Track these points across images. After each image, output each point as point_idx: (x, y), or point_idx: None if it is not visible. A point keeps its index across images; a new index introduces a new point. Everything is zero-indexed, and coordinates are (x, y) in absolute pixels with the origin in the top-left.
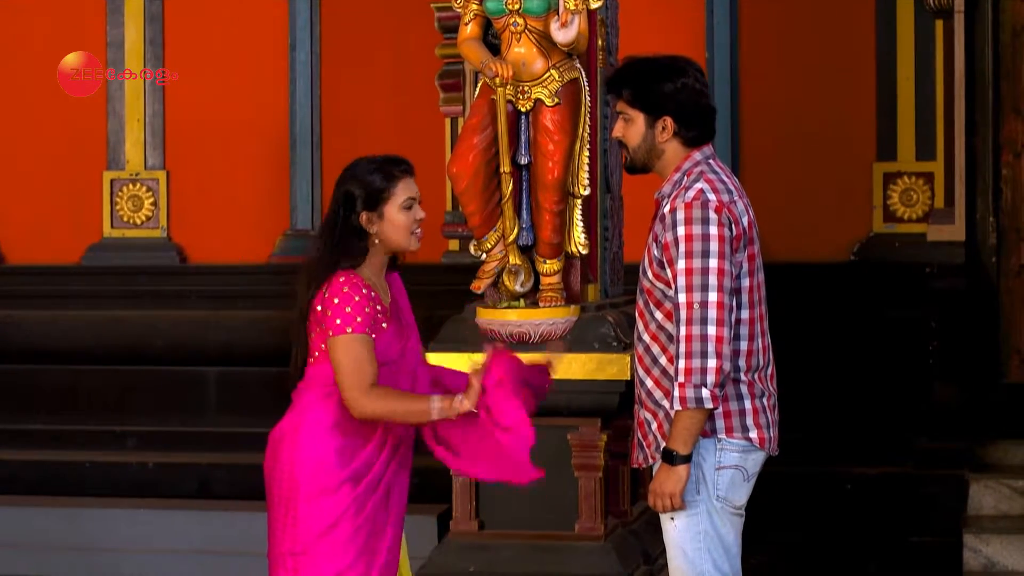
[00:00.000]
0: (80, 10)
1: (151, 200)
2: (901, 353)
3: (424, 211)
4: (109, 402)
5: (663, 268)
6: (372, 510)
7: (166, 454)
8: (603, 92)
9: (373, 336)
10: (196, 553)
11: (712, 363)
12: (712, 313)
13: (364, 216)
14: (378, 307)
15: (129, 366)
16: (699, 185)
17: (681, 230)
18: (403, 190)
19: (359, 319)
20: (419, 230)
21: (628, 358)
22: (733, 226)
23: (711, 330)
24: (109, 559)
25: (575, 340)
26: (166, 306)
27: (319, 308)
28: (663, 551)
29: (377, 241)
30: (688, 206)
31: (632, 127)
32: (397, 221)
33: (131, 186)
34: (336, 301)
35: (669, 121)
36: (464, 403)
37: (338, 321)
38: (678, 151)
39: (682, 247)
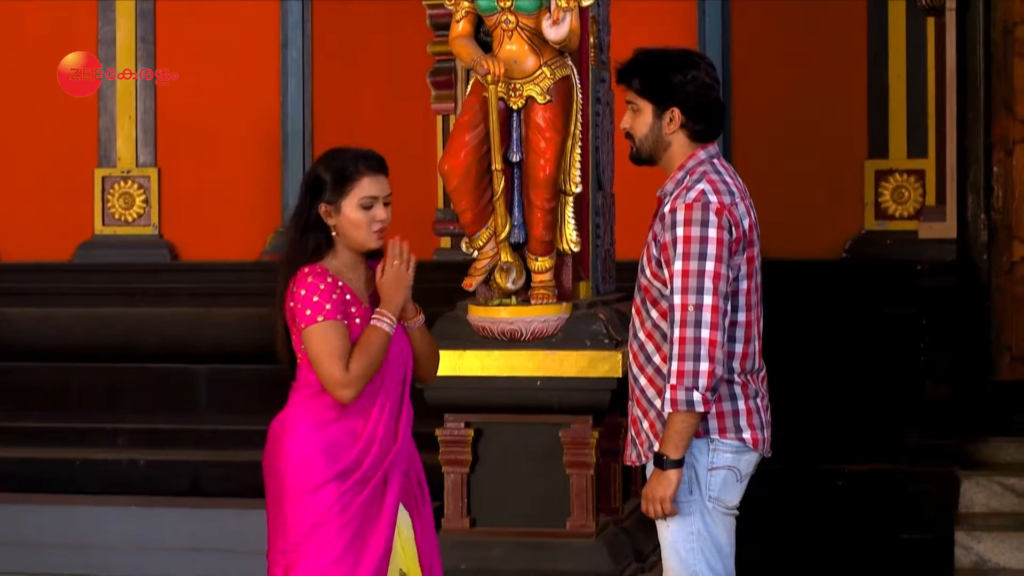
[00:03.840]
0: (72, 7)
1: (142, 197)
2: (892, 350)
3: (388, 213)
4: (100, 399)
5: (661, 267)
6: (360, 507)
7: (157, 451)
8: (595, 89)
9: (346, 322)
10: (187, 550)
11: (704, 366)
12: (706, 316)
13: (323, 208)
14: (347, 296)
15: (120, 363)
16: (701, 186)
17: (680, 231)
18: (361, 188)
19: (328, 306)
20: (377, 227)
21: (620, 356)
22: (733, 229)
23: (704, 333)
24: (100, 556)
25: (567, 337)
26: (157, 303)
27: (291, 304)
28: (655, 549)
29: (336, 235)
30: (688, 207)
31: (640, 118)
32: (352, 218)
33: (122, 183)
34: (303, 293)
35: (677, 112)
36: (385, 315)
37: (308, 312)
38: (684, 145)
39: (680, 248)
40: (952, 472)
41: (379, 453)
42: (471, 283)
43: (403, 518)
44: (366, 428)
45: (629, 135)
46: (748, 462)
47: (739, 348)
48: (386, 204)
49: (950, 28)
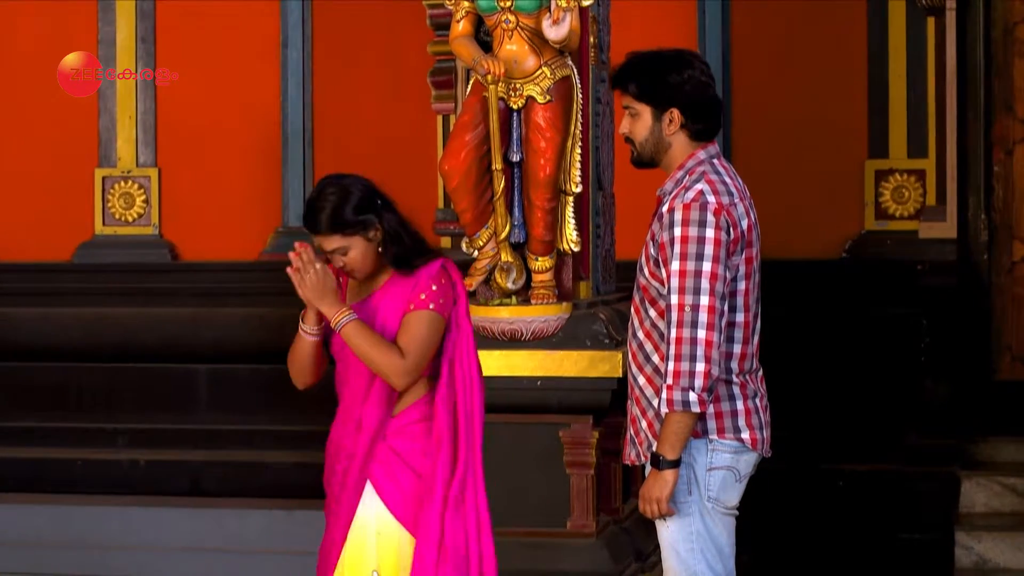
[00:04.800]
0: (71, 7)
1: (143, 197)
2: (892, 350)
3: (350, 261)
4: (100, 399)
5: (659, 267)
6: (327, 499)
7: (157, 451)
8: (595, 89)
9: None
10: (187, 550)
11: (700, 367)
12: (702, 317)
13: None
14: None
15: (120, 363)
16: (699, 186)
17: (677, 231)
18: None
19: None
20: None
21: (620, 355)
22: (731, 229)
23: (700, 334)
24: (99, 556)
25: (567, 337)
26: (157, 303)
27: None
28: (655, 548)
29: None
30: (686, 207)
31: (638, 121)
32: None
33: (123, 183)
34: None
35: (676, 113)
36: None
37: None
38: (685, 145)
39: (677, 248)
40: (952, 472)
41: (335, 451)
42: (471, 283)
43: (385, 522)
44: (333, 425)
45: (629, 139)
46: (747, 462)
47: (737, 349)
48: (343, 254)
49: (950, 28)
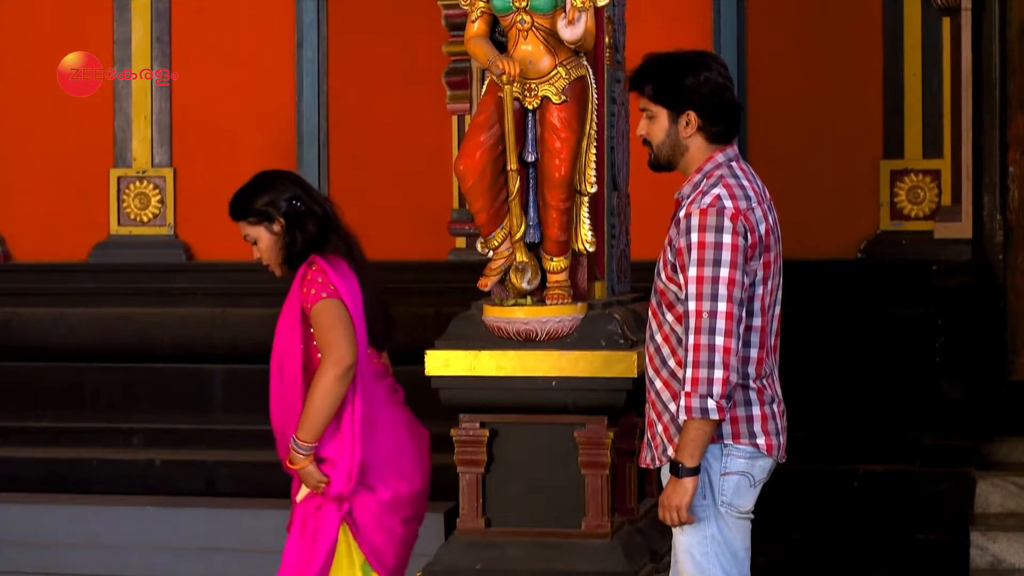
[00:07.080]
0: (87, 7)
1: (158, 197)
2: (907, 351)
3: (259, 254)
4: (115, 399)
5: (676, 272)
6: None
7: (172, 451)
8: (610, 90)
9: None
10: (202, 550)
11: (719, 374)
12: (720, 323)
13: None
14: None
15: (135, 363)
16: (716, 191)
17: (694, 236)
18: None
19: None
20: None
21: (635, 356)
22: (749, 234)
23: (718, 340)
24: (115, 556)
25: (582, 338)
26: (173, 303)
27: None
28: (670, 549)
29: None
30: (703, 212)
31: (655, 123)
32: None
33: (138, 183)
34: None
35: (692, 116)
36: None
37: None
38: (702, 148)
39: (694, 254)
40: (968, 472)
41: None
42: (486, 283)
43: None
44: None
45: (646, 142)
46: (762, 468)
47: (754, 353)
48: (255, 244)
49: (965, 28)
